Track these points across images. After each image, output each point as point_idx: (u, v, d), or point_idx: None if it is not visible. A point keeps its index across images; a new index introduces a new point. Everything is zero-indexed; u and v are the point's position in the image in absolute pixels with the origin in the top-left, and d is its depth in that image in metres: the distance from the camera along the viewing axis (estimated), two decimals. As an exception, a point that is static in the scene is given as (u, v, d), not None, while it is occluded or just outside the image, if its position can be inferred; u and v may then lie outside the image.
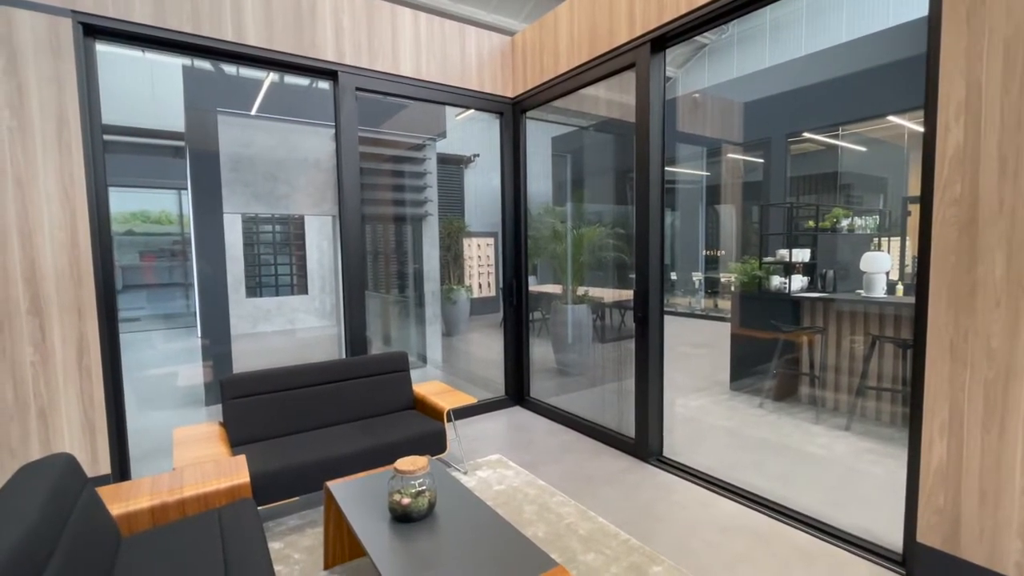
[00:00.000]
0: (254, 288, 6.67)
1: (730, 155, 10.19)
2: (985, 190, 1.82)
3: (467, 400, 3.16)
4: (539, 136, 5.32)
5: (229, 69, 4.93)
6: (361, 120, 3.62)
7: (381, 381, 3.21)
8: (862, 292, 4.17)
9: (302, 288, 6.80)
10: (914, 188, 9.42)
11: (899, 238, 7.28)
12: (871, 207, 8.44)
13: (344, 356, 3.67)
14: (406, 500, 1.76)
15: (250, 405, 2.77)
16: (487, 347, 7.40)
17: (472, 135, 10.52)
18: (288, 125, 4.51)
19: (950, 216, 1.91)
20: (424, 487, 1.79)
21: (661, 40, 3.02)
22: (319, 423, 2.94)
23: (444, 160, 8.98)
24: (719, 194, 10.25)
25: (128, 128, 7.54)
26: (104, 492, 1.88)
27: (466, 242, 9.63)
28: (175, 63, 5.12)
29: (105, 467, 2.73)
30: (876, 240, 5.83)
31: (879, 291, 4.05)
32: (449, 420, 3.05)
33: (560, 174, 7.19)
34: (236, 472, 2.08)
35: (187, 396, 4.71)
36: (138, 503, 1.84)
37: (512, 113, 4.27)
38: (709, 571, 2.18)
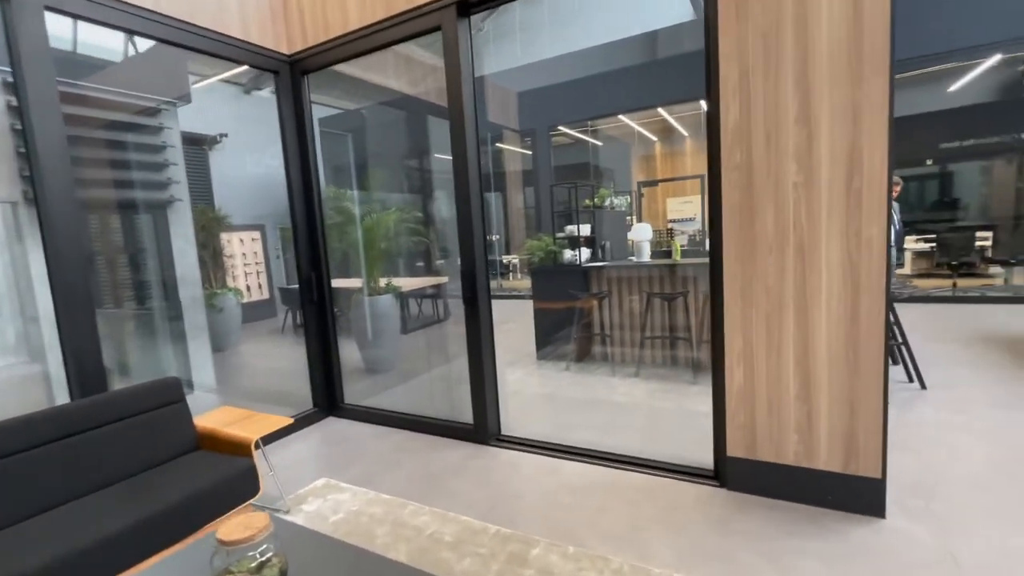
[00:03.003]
0: None
1: (498, 144, 10.88)
2: (757, 158, 2.22)
3: (280, 422, 2.55)
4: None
5: None
6: (60, 70, 2.51)
7: (146, 422, 2.33)
8: (634, 258, 4.90)
9: (-43, 314, 4.60)
10: (639, 175, 11.66)
11: (637, 216, 8.92)
12: (618, 191, 10.05)
13: (70, 399, 2.55)
14: (245, 579, 1.24)
15: None
16: (273, 356, 6.32)
17: (214, 109, 8.81)
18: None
19: (733, 180, 2.28)
20: (271, 552, 1.30)
21: (466, 3, 2.88)
22: (52, 501, 1.96)
23: (183, 139, 7.24)
24: (494, 181, 10.89)
25: None
26: None
27: (225, 237, 8.02)
28: None
29: None
30: (629, 217, 6.97)
31: (646, 256, 4.82)
32: (257, 447, 2.40)
33: (341, 156, 6.51)
34: None
35: None
36: None
37: (290, 74, 3.59)
38: (576, 532, 2.21)
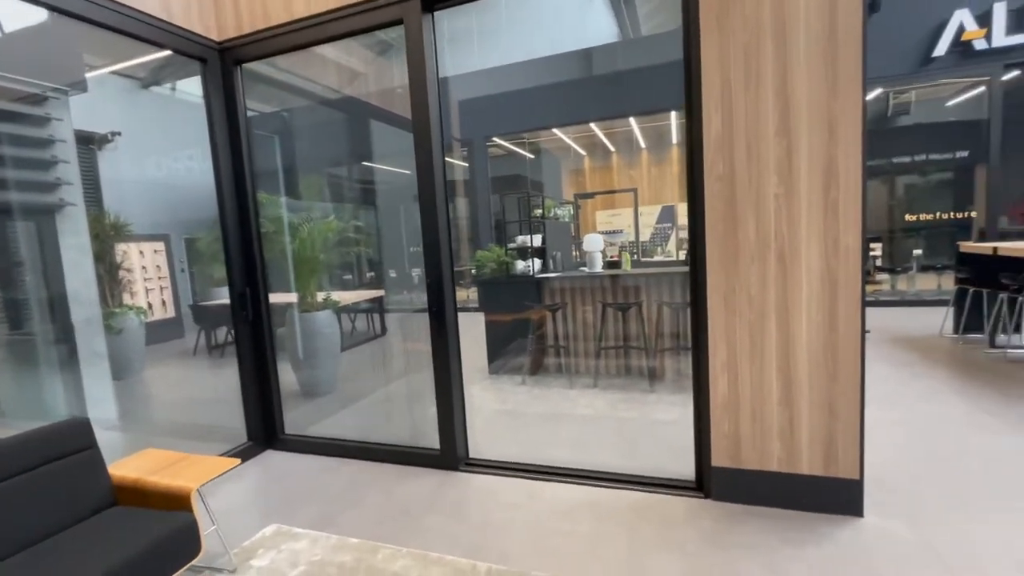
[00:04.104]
0: None
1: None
2: (739, 169, 2.24)
3: (223, 465, 2.16)
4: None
5: None
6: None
7: (46, 476, 1.86)
8: (585, 269, 4.89)
9: None
10: (570, 189, 11.91)
11: (576, 228, 9.04)
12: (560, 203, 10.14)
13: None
14: None
15: None
16: (187, 383, 5.58)
17: (104, 105, 7.86)
18: None
19: (716, 190, 2.29)
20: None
21: (431, -2, 2.70)
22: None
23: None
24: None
25: None
26: None
27: (122, 248, 7.03)
28: None
29: None
30: (572, 228, 7.04)
31: (598, 267, 4.83)
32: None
33: (267, 160, 5.95)
34: None
35: None
36: None
37: (220, 62, 3.17)
38: (576, 562, 2.07)
